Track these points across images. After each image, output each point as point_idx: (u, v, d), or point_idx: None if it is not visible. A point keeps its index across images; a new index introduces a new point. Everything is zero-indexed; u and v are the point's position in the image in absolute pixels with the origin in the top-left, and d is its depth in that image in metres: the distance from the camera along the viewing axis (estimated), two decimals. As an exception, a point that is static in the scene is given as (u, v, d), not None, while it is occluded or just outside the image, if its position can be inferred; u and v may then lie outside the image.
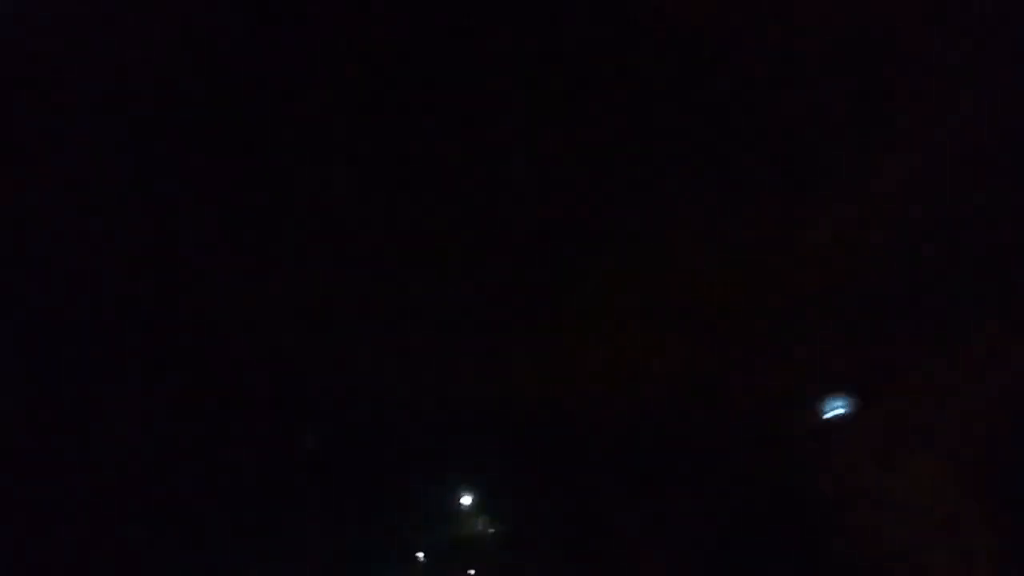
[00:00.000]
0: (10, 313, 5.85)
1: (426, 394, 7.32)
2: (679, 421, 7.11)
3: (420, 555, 7.95)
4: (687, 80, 5.01)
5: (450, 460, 7.72)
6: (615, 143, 5.53)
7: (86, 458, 6.40)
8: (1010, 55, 4.62)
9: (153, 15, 4.77)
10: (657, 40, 4.97)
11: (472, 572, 8.11)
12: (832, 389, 6.65)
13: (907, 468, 6.11)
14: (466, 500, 8.02)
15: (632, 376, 6.92)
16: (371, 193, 6.03)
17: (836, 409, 6.62)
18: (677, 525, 7.17)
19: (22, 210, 5.36)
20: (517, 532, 7.88)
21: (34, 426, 6.16)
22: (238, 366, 6.80)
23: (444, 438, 7.53)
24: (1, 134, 4.99)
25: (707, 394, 6.96)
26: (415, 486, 7.84)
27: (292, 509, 7.62)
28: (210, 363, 6.69)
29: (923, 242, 5.57)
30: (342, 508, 7.74)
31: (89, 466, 6.41)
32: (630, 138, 5.49)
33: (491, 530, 7.93)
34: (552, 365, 6.97)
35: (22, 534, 6.07)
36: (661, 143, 5.36)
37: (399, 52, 5.11)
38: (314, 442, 7.60)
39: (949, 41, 4.59)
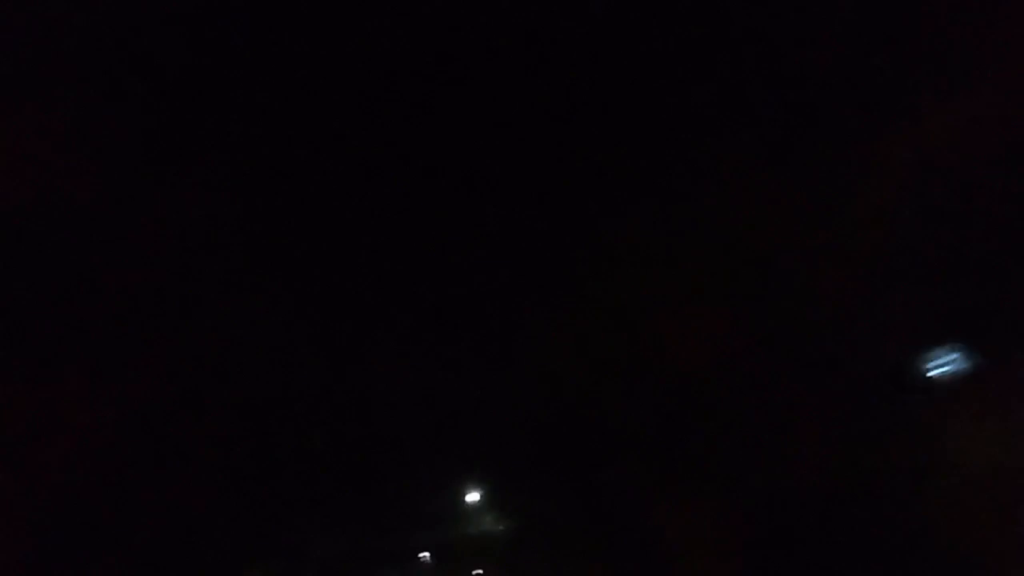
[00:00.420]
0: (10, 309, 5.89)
1: (429, 383, 7.16)
2: (728, 388, 6.31)
3: (425, 554, 7.76)
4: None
5: (455, 453, 7.55)
6: (663, 100, 5.36)
7: (86, 458, 6.38)
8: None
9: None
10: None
11: (479, 572, 7.89)
12: (941, 340, 5.48)
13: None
14: (473, 496, 7.77)
15: (666, 343, 6.41)
16: (374, 187, 6.09)
17: (947, 365, 5.47)
18: (724, 518, 6.46)
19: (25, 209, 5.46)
20: (528, 530, 7.63)
21: (34, 424, 6.16)
22: (237, 364, 6.79)
23: (449, 430, 7.37)
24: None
25: (765, 353, 6.11)
26: (418, 481, 7.67)
27: (292, 507, 7.50)
28: (209, 361, 6.69)
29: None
30: (342, 506, 7.59)
31: (89, 466, 6.40)
32: (682, 95, 5.31)
33: (500, 527, 7.69)
34: (566, 344, 6.74)
35: (23, 534, 6.12)
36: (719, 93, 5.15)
37: (398, 55, 5.16)
38: (315, 438, 7.45)
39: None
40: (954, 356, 5.45)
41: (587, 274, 6.40)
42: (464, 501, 7.75)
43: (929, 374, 5.52)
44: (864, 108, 5.09)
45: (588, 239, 6.31)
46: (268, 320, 6.70)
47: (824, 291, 5.79)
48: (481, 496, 7.73)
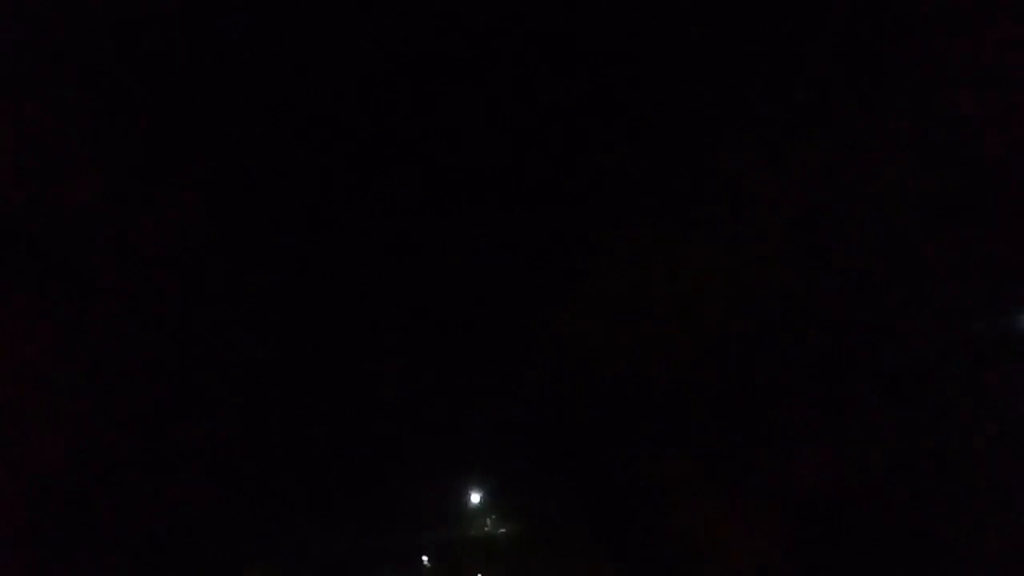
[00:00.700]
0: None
1: (430, 383, 7.14)
2: (733, 386, 6.00)
3: (424, 558, 7.71)
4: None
5: (457, 454, 7.49)
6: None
7: (86, 458, 6.39)
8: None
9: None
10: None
11: None
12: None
13: None
14: (474, 497, 7.69)
15: (668, 343, 6.19)
16: (376, 187, 6.08)
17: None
18: (728, 519, 6.16)
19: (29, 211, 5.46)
20: (530, 532, 7.54)
21: (33, 424, 6.18)
22: (237, 364, 6.80)
23: (450, 431, 7.33)
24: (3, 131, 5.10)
25: (768, 349, 5.73)
26: (419, 482, 7.59)
27: (292, 507, 7.48)
28: (210, 362, 6.71)
29: None
30: (342, 506, 7.56)
31: (89, 466, 6.41)
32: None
33: (501, 530, 7.64)
34: (569, 345, 6.69)
35: (23, 534, 6.16)
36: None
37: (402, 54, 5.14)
38: (315, 438, 7.45)
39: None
40: None
41: (589, 276, 6.38)
42: (465, 503, 7.70)
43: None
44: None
45: (589, 238, 6.28)
46: (268, 320, 6.70)
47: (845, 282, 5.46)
48: (483, 498, 7.67)
